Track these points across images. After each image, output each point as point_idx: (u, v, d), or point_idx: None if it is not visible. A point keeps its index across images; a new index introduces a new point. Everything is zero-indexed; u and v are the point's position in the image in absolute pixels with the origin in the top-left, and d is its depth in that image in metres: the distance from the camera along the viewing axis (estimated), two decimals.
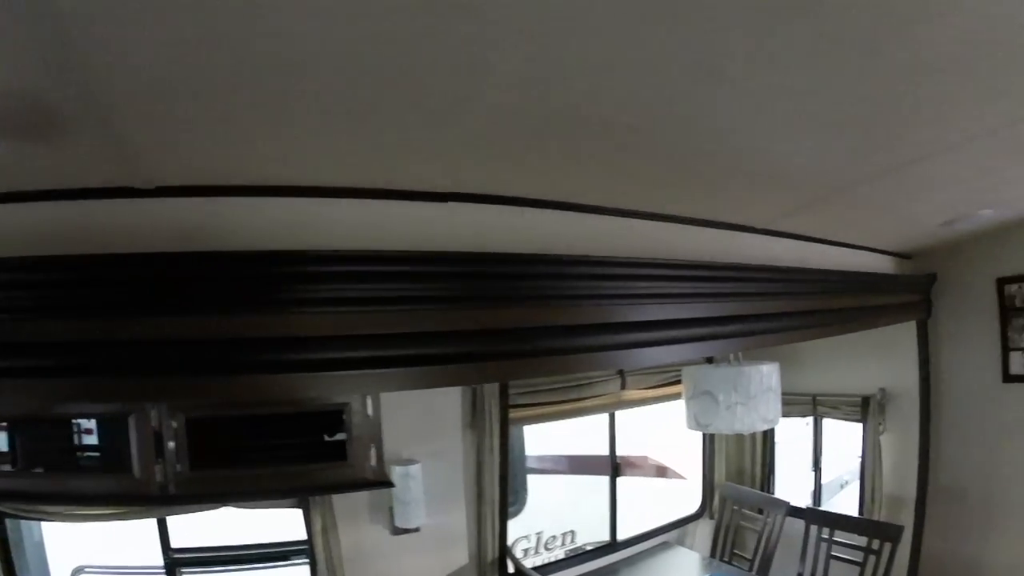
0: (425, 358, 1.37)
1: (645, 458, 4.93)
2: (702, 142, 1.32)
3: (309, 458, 2.61)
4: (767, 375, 2.65)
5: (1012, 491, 3.24)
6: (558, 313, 1.57)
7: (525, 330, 1.51)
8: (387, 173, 1.33)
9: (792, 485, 4.48)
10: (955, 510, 3.44)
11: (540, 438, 4.60)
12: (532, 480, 4.36)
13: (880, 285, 3.20)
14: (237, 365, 1.23)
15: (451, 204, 1.47)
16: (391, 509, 2.87)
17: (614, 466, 3.99)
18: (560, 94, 0.98)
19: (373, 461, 2.75)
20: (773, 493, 4.37)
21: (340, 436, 2.66)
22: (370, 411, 2.73)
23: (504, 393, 3.09)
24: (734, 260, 2.10)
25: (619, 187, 1.64)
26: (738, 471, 4.42)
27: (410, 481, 2.81)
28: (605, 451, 4.13)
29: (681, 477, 4.82)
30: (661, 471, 4.94)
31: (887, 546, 3.04)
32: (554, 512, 4.39)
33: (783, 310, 2.32)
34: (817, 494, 4.24)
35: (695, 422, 2.72)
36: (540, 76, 0.91)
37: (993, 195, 2.39)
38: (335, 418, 2.66)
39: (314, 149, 1.16)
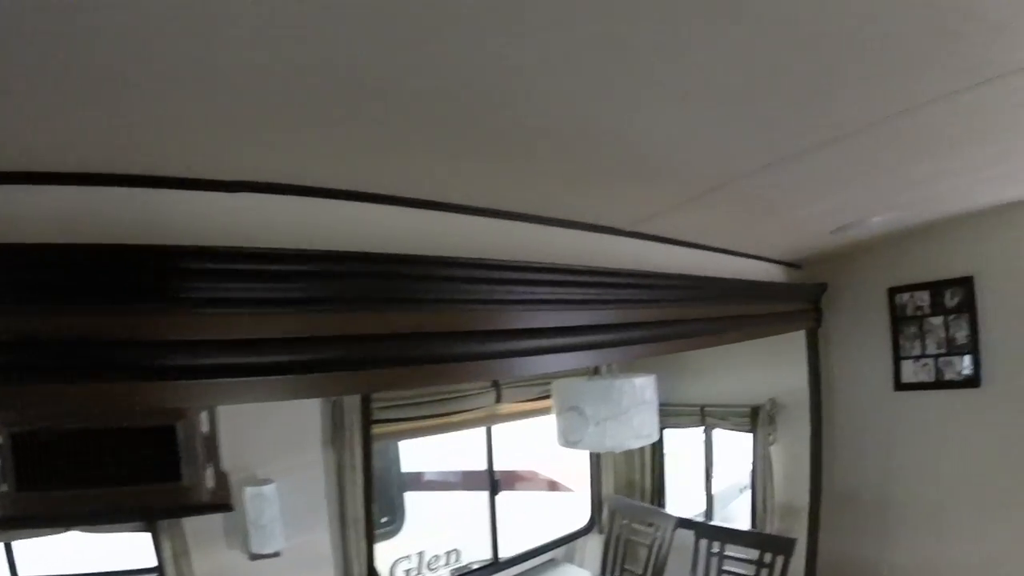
0: (289, 366, 1.48)
1: (534, 472, 5.75)
2: (562, 128, 1.42)
3: (138, 478, 2.76)
4: (641, 388, 2.95)
5: (906, 496, 3.91)
6: (438, 319, 1.77)
7: (403, 336, 1.69)
8: (239, 161, 1.41)
9: (688, 495, 5.15)
10: (851, 516, 4.10)
11: (421, 453, 5.17)
12: (413, 497, 4.90)
13: (770, 294, 3.69)
14: (71, 370, 1.26)
15: (325, 200, 1.62)
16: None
17: (492, 482, 4.49)
18: (407, 78, 1.10)
19: (211, 481, 2.92)
20: (664, 505, 5.03)
21: (173, 454, 2.78)
22: (206, 426, 2.90)
23: (366, 407, 3.42)
24: (621, 266, 2.42)
25: (481, 183, 1.80)
26: (628, 483, 5.08)
27: (264, 503, 3.01)
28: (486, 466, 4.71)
29: (572, 491, 5.56)
30: (552, 485, 5.82)
31: (779, 559, 3.61)
32: (437, 530, 4.95)
33: (672, 318, 2.73)
34: (709, 506, 4.91)
35: (564, 439, 3.02)
36: (400, 64, 1.03)
37: (882, 202, 2.80)
38: (166, 434, 2.78)
39: (172, 136, 1.24)
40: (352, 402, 3.43)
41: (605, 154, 1.67)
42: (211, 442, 2.98)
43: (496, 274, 1.91)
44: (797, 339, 4.19)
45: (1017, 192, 3.19)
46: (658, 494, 5.11)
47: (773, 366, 4.40)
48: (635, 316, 2.50)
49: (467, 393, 4.00)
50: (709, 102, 1.40)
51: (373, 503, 3.67)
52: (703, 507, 5.02)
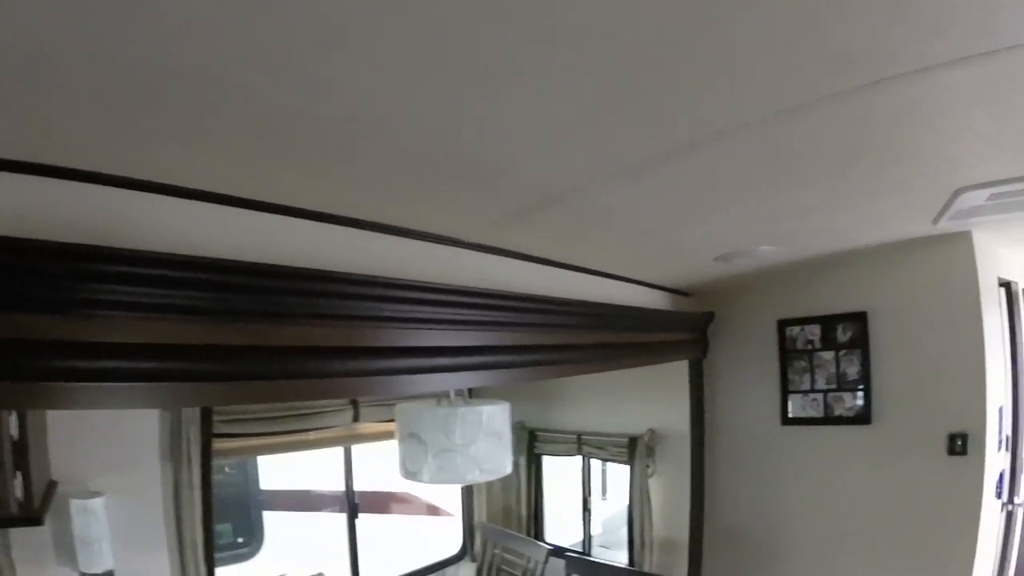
0: (156, 373, 1.69)
1: (411, 495, 6.28)
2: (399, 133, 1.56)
3: None
4: (490, 418, 3.11)
5: (793, 533, 4.28)
6: (312, 334, 2.05)
7: (276, 350, 1.95)
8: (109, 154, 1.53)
9: (573, 524, 5.72)
10: (735, 553, 4.48)
11: (285, 471, 5.57)
12: (273, 518, 5.36)
13: (653, 321, 3.93)
14: None
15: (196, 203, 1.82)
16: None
17: (351, 504, 5.00)
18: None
19: (19, 492, 3.07)
20: (542, 533, 5.58)
21: None
22: (15, 431, 3.04)
23: (207, 420, 3.72)
24: (503, 288, 2.72)
25: (329, 193, 2.00)
26: (504, 510, 5.68)
27: (90, 518, 3.27)
28: (362, 487, 5.26)
29: (453, 516, 6.07)
30: (432, 510, 6.40)
31: None
32: (300, 553, 5.44)
33: (550, 343, 3.05)
34: (586, 538, 5.43)
35: (403, 468, 3.19)
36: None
37: (766, 231, 3.06)
38: None
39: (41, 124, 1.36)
40: (191, 415, 3.68)
41: (438, 158, 1.80)
42: (22, 449, 3.08)
43: (366, 290, 2.16)
44: (680, 369, 4.47)
45: (913, 229, 3.48)
46: (534, 522, 5.53)
47: (654, 396, 4.74)
48: (511, 339, 2.84)
49: (322, 410, 4.34)
50: (536, 103, 1.47)
51: (224, 523, 3.85)
52: (593, 536, 5.42)
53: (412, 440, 3.16)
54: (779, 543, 4.45)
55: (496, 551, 5.04)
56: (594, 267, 3.46)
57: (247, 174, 1.81)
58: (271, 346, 1.98)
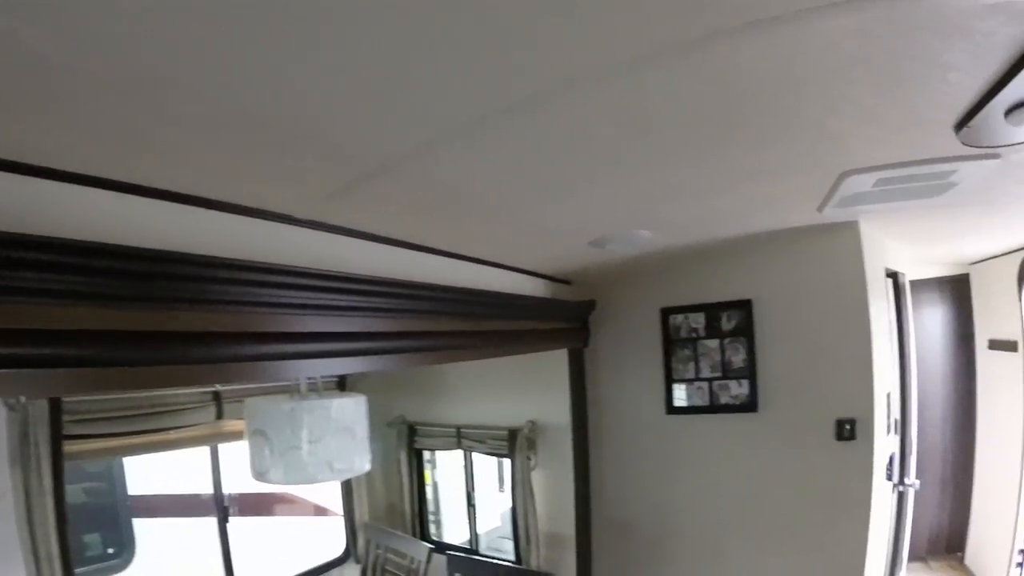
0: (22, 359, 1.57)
1: (295, 495, 5.97)
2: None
3: None
4: (340, 411, 2.87)
5: (682, 523, 4.18)
6: (185, 318, 1.93)
7: (145, 336, 1.86)
8: None
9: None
10: (626, 544, 4.34)
11: (159, 474, 5.20)
12: (146, 525, 4.95)
13: (531, 309, 3.73)
14: None
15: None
16: None
17: (221, 507, 4.69)
18: None
19: None
20: (427, 531, 5.36)
21: None
22: None
23: (56, 420, 3.40)
24: (372, 274, 2.55)
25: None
26: (389, 508, 5.43)
27: None
28: (243, 488, 4.93)
29: (340, 515, 5.67)
30: (318, 510, 6.08)
31: None
32: (176, 561, 5.18)
33: (424, 329, 2.91)
34: (473, 535, 5.19)
35: (252, 469, 2.95)
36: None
37: (641, 214, 2.85)
38: None
39: None
40: (40, 414, 3.37)
41: (249, 124, 1.57)
42: None
43: (235, 274, 2.03)
44: (562, 359, 4.31)
45: (798, 217, 3.35)
46: (419, 520, 5.30)
47: (535, 387, 4.58)
48: (383, 326, 2.69)
49: (182, 408, 4.06)
50: (341, 58, 1.25)
51: (92, 533, 3.68)
52: (486, 534, 5.26)
53: (259, 437, 2.93)
54: (669, 534, 4.34)
55: (379, 551, 4.82)
56: (465, 252, 3.27)
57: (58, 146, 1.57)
58: (125, 331, 1.86)
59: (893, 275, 4.51)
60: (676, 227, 3.21)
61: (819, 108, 1.79)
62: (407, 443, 5.23)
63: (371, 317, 2.61)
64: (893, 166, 2.39)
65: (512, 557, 4.86)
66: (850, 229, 3.71)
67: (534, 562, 4.55)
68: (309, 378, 3.02)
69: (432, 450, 5.28)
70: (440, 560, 4.58)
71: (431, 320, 2.93)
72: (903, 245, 4.89)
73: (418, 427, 5.04)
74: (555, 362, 4.36)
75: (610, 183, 2.36)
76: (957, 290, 6.35)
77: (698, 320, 4.16)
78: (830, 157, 2.27)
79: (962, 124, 1.92)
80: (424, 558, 4.49)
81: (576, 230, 3.05)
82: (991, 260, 5.86)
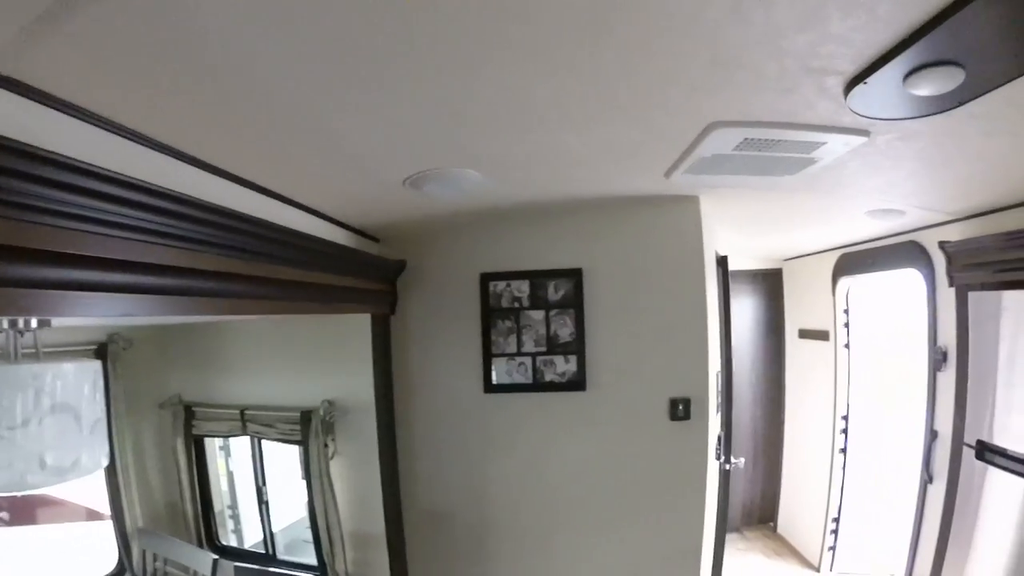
0: None
1: (61, 498, 4.59)
2: None
3: None
4: (56, 383, 1.91)
5: (505, 512, 3.55)
6: None
7: None
8: None
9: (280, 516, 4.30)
10: (445, 540, 3.61)
11: None
12: None
13: (331, 258, 2.89)
14: None
15: None
16: None
17: None
18: None
19: None
20: (216, 534, 4.23)
21: None
22: None
23: None
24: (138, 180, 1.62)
25: None
26: (169, 508, 4.17)
27: None
28: None
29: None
30: (92, 515, 4.57)
31: None
32: None
33: (191, 266, 1.95)
34: (268, 537, 4.15)
35: None
36: None
37: (472, 138, 2.10)
38: None
39: None
40: None
41: None
42: None
43: None
44: (364, 327, 3.52)
45: (644, 183, 2.91)
46: (204, 521, 4.18)
47: (333, 360, 3.71)
48: (133, 253, 1.73)
49: None
50: None
51: None
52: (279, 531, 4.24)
53: None
54: (493, 526, 3.64)
55: (158, 564, 3.79)
56: (255, 179, 2.38)
57: None
58: None
59: (722, 260, 4.21)
60: (507, 169, 2.55)
61: (702, 34, 1.41)
62: (184, 428, 4.04)
63: (114, 237, 1.64)
64: (767, 124, 2.07)
65: (315, 561, 3.88)
66: (691, 204, 3.33)
67: (340, 567, 3.68)
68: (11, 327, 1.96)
69: (214, 436, 4.13)
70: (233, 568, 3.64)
71: (202, 256, 2.00)
72: (729, 233, 4.61)
73: (196, 409, 3.78)
74: (357, 331, 3.52)
75: (435, 85, 1.68)
76: (769, 283, 6.42)
77: (522, 288, 3.48)
78: (702, 99, 1.85)
79: (857, 81, 1.67)
80: (209, 571, 3.50)
81: (390, 159, 2.33)
82: (806, 257, 5.90)
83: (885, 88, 1.65)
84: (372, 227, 3.40)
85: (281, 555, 4.10)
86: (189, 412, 3.92)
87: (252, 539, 4.32)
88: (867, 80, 1.60)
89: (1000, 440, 3.26)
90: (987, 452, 3.33)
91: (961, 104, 1.79)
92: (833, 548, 5.36)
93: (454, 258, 3.54)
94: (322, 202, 2.85)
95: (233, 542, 4.31)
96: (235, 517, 4.37)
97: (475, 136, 2.08)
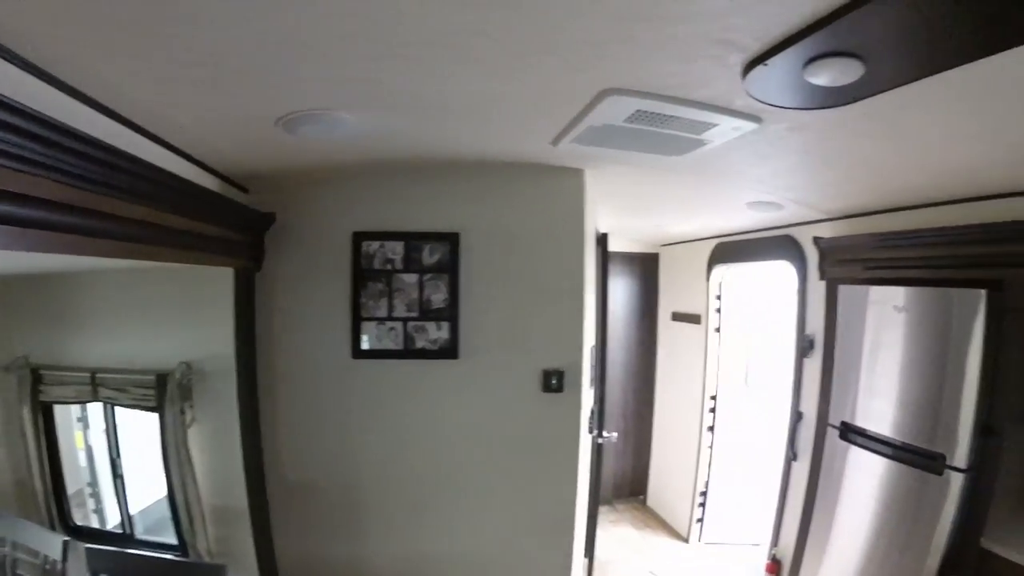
0: None
1: None
2: None
3: None
4: None
5: (375, 484, 3.05)
6: None
7: None
8: None
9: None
10: (314, 513, 3.08)
11: None
12: None
13: (193, 199, 2.33)
14: None
15: None
16: None
17: None
18: None
19: None
20: (70, 515, 3.43)
21: None
22: None
23: None
24: None
25: None
26: (18, 486, 3.33)
27: None
28: None
29: None
30: None
31: None
32: None
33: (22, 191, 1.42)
34: (125, 517, 3.42)
35: None
36: None
37: (351, 69, 1.65)
38: None
39: None
40: None
41: None
42: None
43: None
44: (226, 282, 2.90)
45: (530, 148, 2.53)
46: (56, 500, 3.35)
47: (191, 317, 3.05)
48: None
49: None
50: None
51: None
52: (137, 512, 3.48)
53: None
54: (363, 498, 3.10)
55: (6, 549, 2.93)
56: (100, 98, 1.73)
57: None
58: None
59: (603, 237, 3.81)
60: (390, 113, 2.08)
61: None
62: (31, 395, 3.26)
63: None
64: (661, 97, 1.80)
65: (175, 540, 3.16)
66: (576, 177, 2.96)
67: (202, 545, 3.06)
68: None
69: (64, 403, 3.36)
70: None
71: (34, 180, 1.43)
72: (611, 213, 4.25)
73: (45, 372, 3.01)
74: (219, 287, 2.88)
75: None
76: (646, 267, 6.02)
77: (396, 250, 2.97)
78: (599, 59, 1.54)
79: (758, 61, 1.45)
80: (59, 554, 2.73)
81: (260, 92, 1.84)
82: (683, 244, 5.55)
83: (784, 73, 1.49)
84: (241, 175, 2.85)
85: (143, 536, 3.44)
86: (36, 376, 3.23)
87: (117, 519, 3.56)
88: (768, 62, 1.43)
89: (862, 421, 3.13)
90: (850, 432, 3.19)
91: (856, 100, 1.64)
92: (701, 520, 5.11)
93: (327, 214, 3.01)
94: (187, 138, 2.26)
95: (95, 523, 3.59)
96: (96, 496, 3.62)
97: (353, 66, 1.64)
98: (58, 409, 3.33)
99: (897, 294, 2.92)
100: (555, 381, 2.95)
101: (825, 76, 1.45)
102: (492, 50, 1.49)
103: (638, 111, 1.89)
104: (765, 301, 4.98)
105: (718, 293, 4.93)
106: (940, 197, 2.79)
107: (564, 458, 3.01)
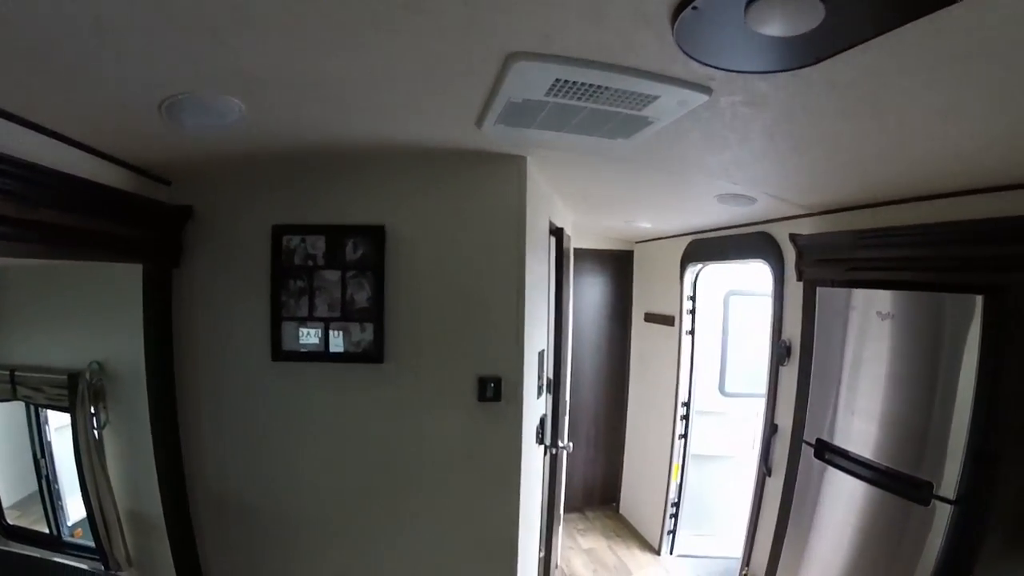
0: None
1: None
2: None
3: None
4: None
5: (299, 498, 2.63)
6: None
7: None
8: None
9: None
10: (237, 523, 2.65)
11: None
12: None
13: (93, 198, 2.00)
14: None
15: None
16: None
17: None
18: None
19: None
20: (1, 518, 2.97)
21: None
22: None
23: None
24: None
25: None
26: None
27: None
28: None
29: None
30: None
31: None
32: None
33: None
34: (52, 518, 2.98)
35: None
36: None
37: (219, 56, 1.38)
38: None
39: None
40: None
41: None
42: None
43: None
44: (138, 280, 2.48)
45: (451, 131, 2.10)
46: (51, 496, 2.97)
47: (104, 314, 2.61)
48: None
49: None
50: None
51: None
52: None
53: None
54: (286, 513, 2.63)
55: None
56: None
57: None
58: None
59: (558, 232, 3.28)
60: (276, 98, 1.71)
61: None
62: None
63: None
64: (579, 63, 1.37)
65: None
66: (515, 165, 2.47)
67: (119, 553, 2.62)
68: None
69: None
70: None
71: None
72: (574, 209, 3.78)
73: None
74: (130, 284, 2.47)
75: None
76: (619, 265, 5.37)
77: (318, 245, 2.51)
78: (493, 15, 1.16)
79: (685, 4, 1.03)
80: None
81: (133, 76, 1.49)
82: (657, 241, 4.91)
83: (722, 19, 1.06)
84: (159, 167, 2.42)
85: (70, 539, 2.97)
86: None
87: (74, 518, 3.05)
88: (696, 2, 1.00)
89: (841, 441, 2.57)
90: (827, 452, 2.64)
91: (817, 61, 1.21)
92: (673, 532, 4.55)
93: (247, 207, 2.55)
94: (83, 132, 1.92)
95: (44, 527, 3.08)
96: (45, 500, 3.10)
97: (219, 50, 1.35)
98: (10, 408, 2.91)
99: (882, 298, 2.38)
100: (492, 388, 2.48)
101: (775, 22, 1.04)
102: (373, 15, 1.14)
103: (558, 80, 1.48)
104: (741, 303, 4.47)
105: (691, 294, 4.37)
106: (929, 190, 2.23)
107: (503, 473, 2.54)
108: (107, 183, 2.09)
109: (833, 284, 2.74)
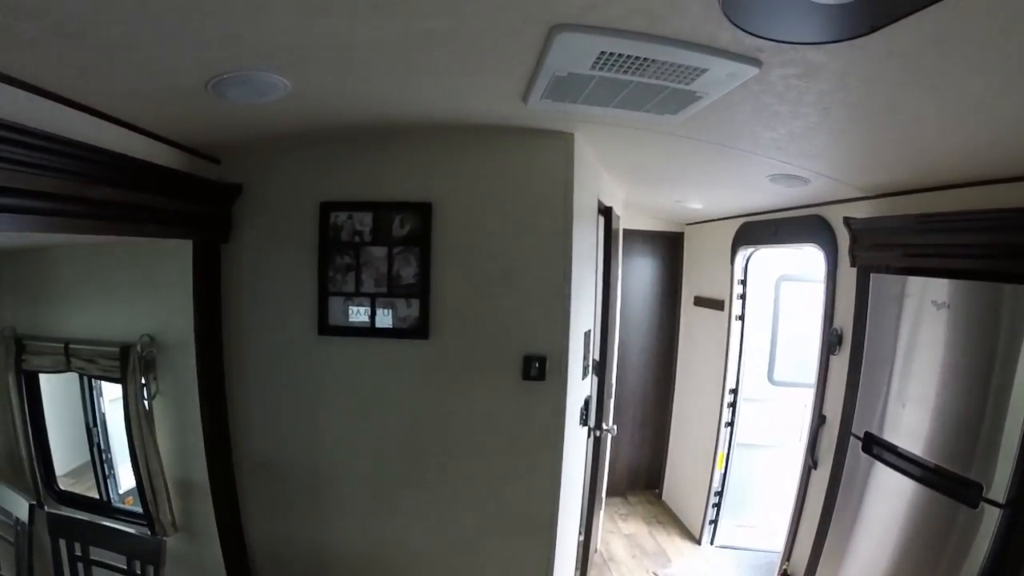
0: None
1: None
2: None
3: None
4: None
5: (342, 467, 2.76)
6: None
7: None
8: None
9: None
10: (280, 488, 2.80)
11: None
12: None
13: (139, 174, 2.08)
14: None
15: None
16: None
17: None
18: None
19: None
20: (55, 481, 3.18)
21: None
22: None
23: None
24: None
25: None
26: (8, 456, 3.09)
27: None
28: None
29: None
30: None
31: (150, 568, 2.29)
32: None
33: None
34: (103, 487, 3.16)
35: None
36: None
37: (261, 29, 1.41)
38: None
39: None
40: None
41: None
42: None
43: None
44: (189, 255, 2.60)
45: (498, 106, 2.11)
46: (42, 464, 3.09)
47: (155, 289, 2.73)
48: None
49: None
50: None
51: None
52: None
53: None
54: (329, 479, 2.78)
55: None
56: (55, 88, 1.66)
57: None
58: None
59: (607, 211, 3.29)
60: (320, 74, 1.77)
61: None
62: (15, 363, 3.00)
63: None
64: (625, 34, 1.35)
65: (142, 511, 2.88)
66: (563, 141, 2.47)
67: (165, 518, 2.77)
68: None
69: (45, 372, 3.06)
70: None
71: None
72: (620, 184, 3.73)
73: (27, 342, 2.83)
74: (181, 259, 2.58)
75: None
76: (669, 247, 5.31)
77: (365, 221, 2.58)
78: None
79: None
80: (25, 516, 2.75)
81: (178, 57, 1.56)
82: (708, 223, 4.84)
83: None
84: (209, 147, 2.53)
85: (119, 504, 3.16)
86: (20, 345, 2.98)
87: (124, 487, 3.24)
88: None
89: (890, 435, 2.50)
90: (875, 446, 2.57)
91: (874, 30, 1.16)
92: (715, 522, 4.52)
93: (295, 184, 2.63)
94: (135, 114, 2.03)
95: (95, 493, 3.25)
96: (98, 467, 3.28)
97: (261, 24, 1.38)
98: (67, 379, 3.09)
99: (938, 287, 2.29)
100: (537, 367, 2.52)
101: None
102: None
103: (603, 53, 1.47)
104: (793, 289, 4.38)
105: (742, 278, 4.31)
106: (995, 174, 2.15)
107: (545, 452, 2.59)
108: (161, 163, 2.21)
109: (888, 270, 2.66)
